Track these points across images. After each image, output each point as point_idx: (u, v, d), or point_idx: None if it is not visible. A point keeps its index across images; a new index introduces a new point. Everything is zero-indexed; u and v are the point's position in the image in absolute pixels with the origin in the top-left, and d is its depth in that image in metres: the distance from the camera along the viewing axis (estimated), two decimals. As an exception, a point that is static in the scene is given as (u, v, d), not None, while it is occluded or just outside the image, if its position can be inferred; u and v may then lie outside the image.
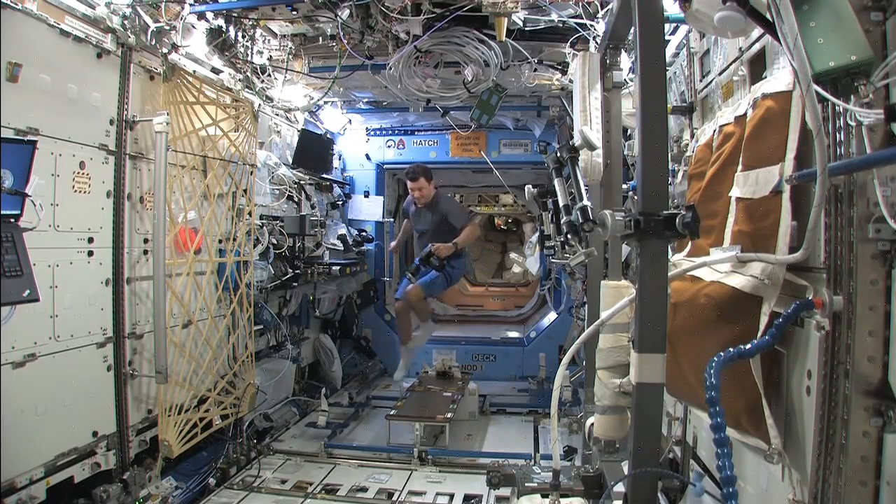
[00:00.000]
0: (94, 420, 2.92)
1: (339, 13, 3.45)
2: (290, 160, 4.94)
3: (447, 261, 5.34)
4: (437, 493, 3.65)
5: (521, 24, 3.46)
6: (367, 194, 6.61)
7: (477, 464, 4.02)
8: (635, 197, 2.74)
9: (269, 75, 4.23)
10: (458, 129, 5.37)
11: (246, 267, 4.05)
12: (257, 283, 4.25)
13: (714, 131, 2.26)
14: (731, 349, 1.57)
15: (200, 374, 3.54)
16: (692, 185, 2.40)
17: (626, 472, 1.86)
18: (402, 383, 5.78)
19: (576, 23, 3.38)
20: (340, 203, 6.19)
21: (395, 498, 3.61)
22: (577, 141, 2.39)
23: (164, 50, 3.24)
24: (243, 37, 3.94)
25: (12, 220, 2.33)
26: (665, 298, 1.68)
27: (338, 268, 5.42)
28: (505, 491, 3.26)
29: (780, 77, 1.72)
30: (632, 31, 2.61)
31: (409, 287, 5.38)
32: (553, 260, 3.51)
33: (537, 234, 6.32)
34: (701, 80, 2.64)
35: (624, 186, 3.13)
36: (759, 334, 1.62)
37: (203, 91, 3.59)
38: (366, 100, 5.52)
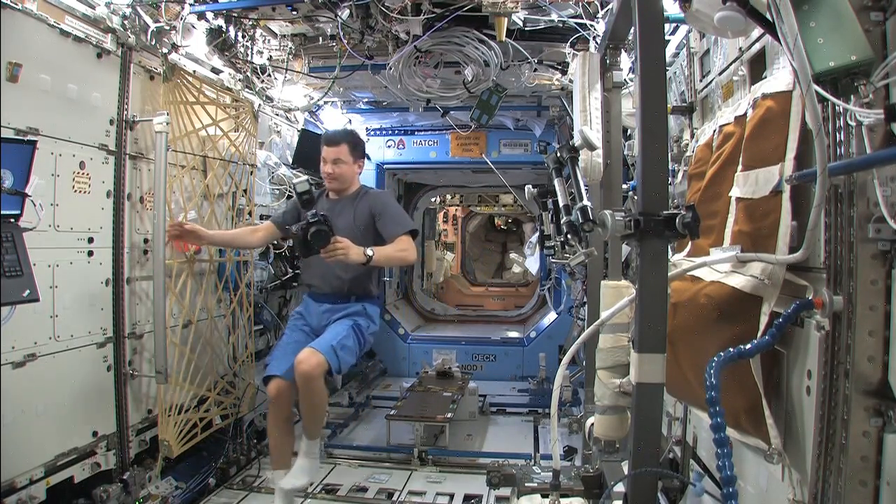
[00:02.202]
0: (94, 420, 2.91)
1: (339, 13, 3.45)
2: (290, 160, 4.94)
3: (361, 299, 3.36)
4: (437, 493, 3.65)
5: (521, 24, 3.46)
6: (367, 194, 6.60)
7: (477, 464, 4.02)
8: (635, 197, 2.74)
9: (269, 75, 4.23)
10: (458, 129, 5.37)
11: (246, 267, 4.06)
12: (257, 283, 4.25)
13: (714, 131, 2.25)
14: (731, 349, 1.57)
15: (200, 374, 3.55)
16: (692, 185, 2.40)
17: (626, 472, 1.86)
18: (403, 382, 5.77)
19: (576, 23, 3.38)
20: (340, 203, 6.17)
21: (395, 498, 3.61)
22: (577, 141, 2.39)
23: (164, 50, 3.24)
24: (243, 37, 3.94)
25: (12, 220, 2.33)
26: (665, 298, 1.67)
27: (338, 268, 5.40)
28: (505, 491, 3.25)
29: (780, 77, 1.72)
30: (632, 31, 2.61)
31: (301, 353, 3.01)
32: (553, 260, 3.52)
33: (537, 234, 6.32)
34: (701, 80, 2.63)
35: (624, 186, 3.13)
36: (759, 334, 1.61)
37: (203, 91, 3.59)
38: (366, 100, 5.51)
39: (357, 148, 3.43)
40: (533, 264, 7.74)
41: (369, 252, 2.97)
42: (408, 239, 3.25)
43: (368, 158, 6.52)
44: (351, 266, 3.14)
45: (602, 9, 3.29)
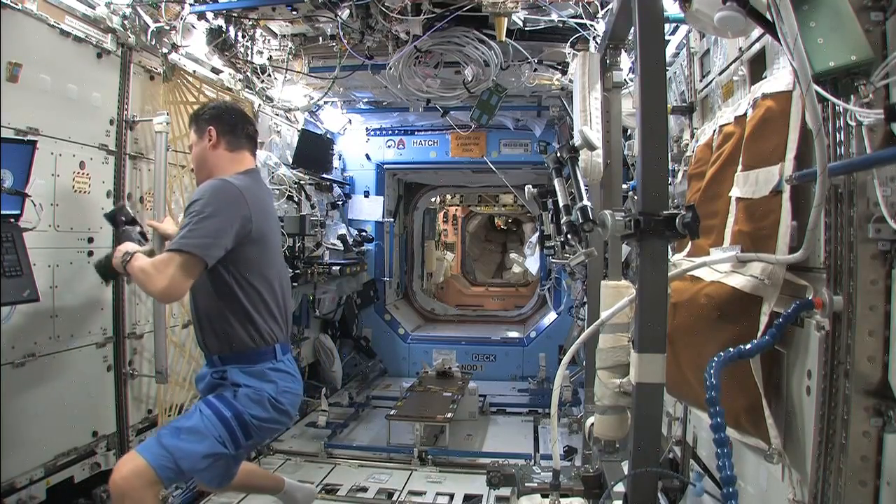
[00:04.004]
0: (94, 420, 2.91)
1: (339, 13, 3.45)
2: (290, 160, 4.94)
3: (226, 360, 2.33)
4: (437, 493, 3.65)
5: (521, 24, 3.46)
6: (367, 194, 6.61)
7: (477, 464, 4.01)
8: (635, 197, 2.74)
9: (269, 75, 4.23)
10: (458, 129, 5.36)
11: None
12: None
13: (714, 131, 2.26)
14: (731, 349, 1.57)
15: (200, 374, 3.54)
16: (692, 185, 2.40)
17: (626, 472, 1.86)
18: (403, 382, 5.77)
19: (576, 23, 3.38)
20: (340, 203, 6.19)
21: (395, 498, 3.61)
22: (577, 141, 2.39)
23: (164, 50, 3.24)
24: (243, 37, 3.94)
25: (12, 220, 2.33)
26: (665, 298, 1.68)
27: (338, 268, 5.42)
28: (505, 491, 3.25)
29: (780, 77, 1.72)
30: (632, 31, 2.61)
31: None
32: (553, 260, 3.51)
33: (537, 234, 6.32)
34: (701, 80, 2.64)
35: (624, 186, 3.13)
36: (759, 334, 1.62)
37: (203, 91, 3.59)
38: (366, 100, 5.51)
39: (200, 119, 2.45)
40: (533, 264, 7.74)
41: (126, 249, 2.25)
42: (167, 259, 2.11)
43: (368, 158, 6.52)
44: (200, 300, 2.31)
45: (602, 9, 3.29)
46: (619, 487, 1.89)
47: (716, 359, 1.55)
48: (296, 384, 2.46)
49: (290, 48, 4.15)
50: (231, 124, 2.45)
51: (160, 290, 2.12)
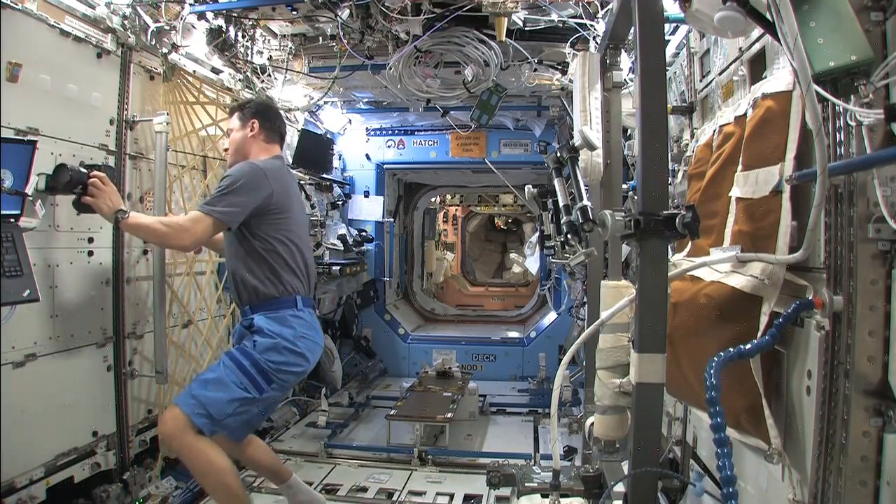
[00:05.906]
0: (94, 420, 2.92)
1: (339, 13, 3.45)
2: (290, 160, 4.94)
3: (254, 308, 2.68)
4: (437, 493, 3.64)
5: (521, 24, 3.46)
6: (367, 194, 6.62)
7: (477, 464, 4.01)
8: (635, 197, 2.74)
9: (269, 75, 4.23)
10: (458, 129, 5.36)
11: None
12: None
13: (714, 131, 2.26)
14: (731, 349, 1.57)
15: (200, 374, 3.55)
16: (692, 185, 2.40)
17: (626, 472, 1.86)
18: (403, 382, 5.77)
19: (576, 23, 3.38)
20: (340, 203, 6.19)
21: (395, 498, 3.61)
22: (577, 141, 2.39)
23: (164, 50, 3.24)
24: (243, 37, 3.94)
25: (12, 220, 2.33)
26: (665, 298, 1.67)
27: (338, 268, 5.42)
28: (505, 491, 3.26)
29: (780, 77, 1.72)
30: (632, 31, 2.61)
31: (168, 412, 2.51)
32: (553, 260, 3.50)
33: (537, 234, 6.32)
34: (701, 80, 2.64)
35: (624, 186, 3.13)
36: (759, 334, 1.62)
37: (203, 91, 3.59)
38: (366, 100, 5.51)
39: (245, 111, 2.89)
40: (533, 264, 7.74)
41: (123, 206, 2.51)
42: (198, 218, 2.52)
43: (368, 158, 6.53)
44: (233, 260, 2.75)
45: (602, 9, 3.29)
46: (619, 487, 1.89)
47: (716, 359, 1.55)
48: (315, 334, 2.81)
49: (290, 48, 4.15)
50: (271, 121, 2.95)
51: (188, 244, 2.61)
